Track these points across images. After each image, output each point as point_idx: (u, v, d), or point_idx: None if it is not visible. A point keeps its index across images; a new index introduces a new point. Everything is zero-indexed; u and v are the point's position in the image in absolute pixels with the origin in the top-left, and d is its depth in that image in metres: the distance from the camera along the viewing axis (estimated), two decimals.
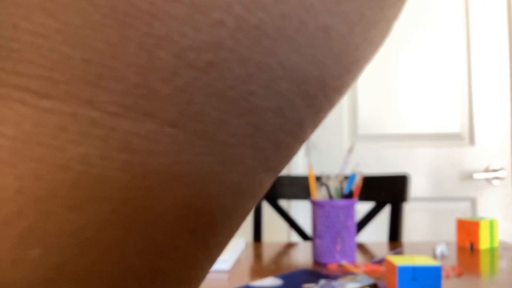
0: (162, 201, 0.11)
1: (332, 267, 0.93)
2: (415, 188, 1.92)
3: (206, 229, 0.13)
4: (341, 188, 1.00)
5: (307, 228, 1.98)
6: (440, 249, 1.05)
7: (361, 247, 1.15)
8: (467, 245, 1.11)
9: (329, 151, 1.98)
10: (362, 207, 1.91)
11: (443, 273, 0.86)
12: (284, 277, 0.83)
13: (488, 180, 1.91)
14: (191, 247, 0.13)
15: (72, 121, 0.10)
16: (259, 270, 0.93)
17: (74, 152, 0.10)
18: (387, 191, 1.41)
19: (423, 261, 0.71)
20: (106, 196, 0.10)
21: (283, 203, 1.95)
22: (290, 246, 1.19)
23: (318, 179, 1.40)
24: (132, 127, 0.10)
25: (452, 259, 0.99)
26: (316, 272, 0.87)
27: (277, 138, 0.13)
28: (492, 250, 1.08)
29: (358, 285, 0.75)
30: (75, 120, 0.10)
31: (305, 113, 0.13)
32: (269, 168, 0.14)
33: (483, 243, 1.09)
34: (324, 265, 0.96)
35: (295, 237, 1.95)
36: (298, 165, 1.95)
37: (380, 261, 0.98)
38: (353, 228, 0.98)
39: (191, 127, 0.11)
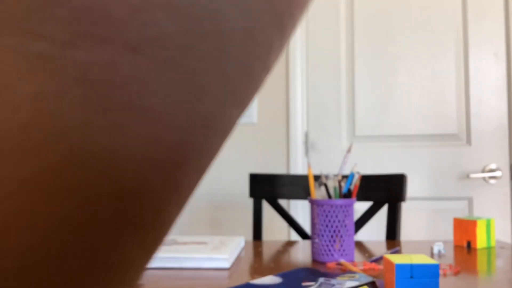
0: (126, 138, 0.10)
1: (331, 265, 0.94)
2: (412, 188, 1.93)
3: (175, 168, 0.12)
4: (340, 187, 1.01)
5: (306, 227, 1.99)
6: (437, 248, 1.06)
7: (360, 246, 1.16)
8: (464, 244, 1.12)
9: (328, 151, 1.99)
10: (361, 207, 1.92)
11: (441, 272, 0.87)
12: (283, 275, 0.84)
13: (484, 180, 1.92)
14: (160, 187, 0.12)
15: (17, 56, 0.09)
16: (259, 268, 0.94)
17: (24, 90, 0.09)
18: (385, 190, 1.42)
19: (421, 259, 0.71)
20: (63, 136, 0.09)
21: (282, 202, 1.96)
22: (289, 244, 1.20)
23: (317, 178, 1.41)
24: (87, 56, 0.09)
25: (449, 258, 1.00)
26: (315, 270, 0.87)
27: (246, 65, 0.12)
28: (489, 249, 1.09)
29: (356, 283, 0.76)
30: (20, 55, 0.09)
31: (273, 35, 0.12)
32: (237, 101, 0.13)
33: (480, 242, 1.10)
34: (323, 264, 0.97)
35: (294, 236, 1.96)
36: (297, 165, 1.96)
37: (378, 260, 0.99)
38: (352, 227, 0.99)
39: (153, 53, 0.10)
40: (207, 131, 0.12)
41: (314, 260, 0.99)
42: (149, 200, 0.12)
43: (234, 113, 0.13)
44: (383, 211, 1.92)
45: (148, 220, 0.12)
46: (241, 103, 0.13)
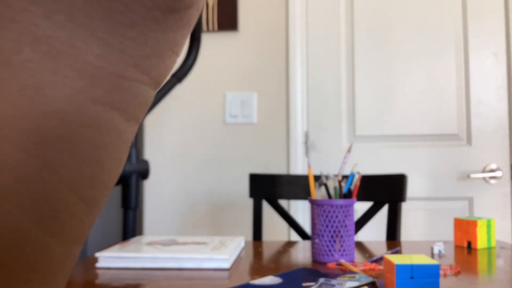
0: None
1: (331, 265, 0.94)
2: (413, 188, 1.93)
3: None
4: (340, 187, 1.01)
5: (307, 227, 1.99)
6: (437, 248, 1.06)
7: (360, 246, 1.16)
8: (464, 244, 1.12)
9: (328, 152, 1.99)
10: (361, 207, 1.92)
11: (441, 272, 0.87)
12: (283, 276, 0.84)
13: (485, 180, 1.92)
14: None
15: None
16: (259, 268, 0.94)
17: None
18: (385, 190, 1.42)
19: (421, 259, 0.71)
20: None
21: (282, 202, 1.96)
22: (289, 245, 1.20)
23: (317, 179, 1.41)
24: None
25: (450, 258, 1.00)
26: (315, 271, 0.87)
27: None
28: (489, 250, 1.09)
29: (356, 283, 0.76)
30: None
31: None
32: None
33: (481, 243, 1.10)
34: (323, 264, 0.97)
35: (294, 236, 1.96)
36: (297, 165, 1.96)
37: (379, 260, 0.99)
38: (352, 227, 0.99)
39: None
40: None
41: (314, 261, 1.00)
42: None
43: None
44: (383, 211, 1.92)
45: (85, 175, 0.14)
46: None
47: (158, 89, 0.16)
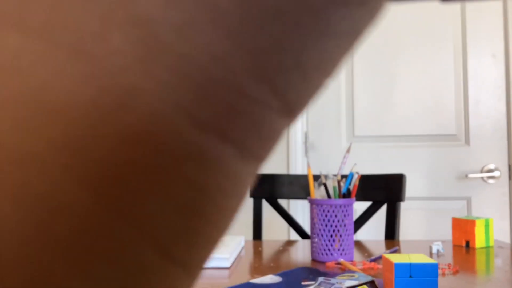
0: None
1: (330, 264, 0.95)
2: (411, 188, 1.94)
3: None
4: (339, 187, 1.01)
5: (306, 227, 1.99)
6: (436, 247, 1.06)
7: (359, 245, 1.16)
8: (463, 243, 1.12)
9: (327, 152, 1.99)
10: (360, 206, 1.93)
11: (439, 271, 0.87)
12: (283, 275, 0.85)
13: (483, 180, 1.93)
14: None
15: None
16: (259, 267, 0.94)
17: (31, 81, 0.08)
18: (384, 190, 1.42)
19: (420, 259, 0.71)
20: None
21: (282, 202, 1.96)
22: (289, 244, 1.20)
23: (316, 178, 1.41)
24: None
25: (448, 257, 1.01)
26: (314, 270, 0.88)
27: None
28: (487, 249, 1.09)
29: (355, 282, 0.76)
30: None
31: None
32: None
33: (479, 242, 1.10)
34: (322, 263, 0.97)
35: (294, 236, 1.97)
36: (297, 165, 1.97)
37: (377, 259, 0.99)
38: (351, 226, 0.99)
39: None
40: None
41: (314, 260, 1.00)
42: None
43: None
44: (382, 211, 1.93)
45: (177, 227, 0.10)
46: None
47: (291, 122, 0.11)
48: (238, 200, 0.11)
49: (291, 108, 0.11)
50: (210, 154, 0.10)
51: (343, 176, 1.04)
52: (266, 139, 0.11)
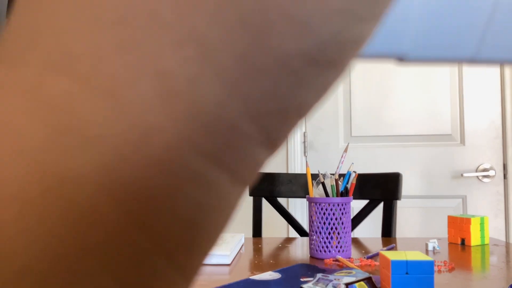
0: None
1: (329, 261, 0.96)
2: (407, 187, 1.95)
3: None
4: (337, 186, 1.02)
5: (305, 225, 2.00)
6: (432, 244, 1.07)
7: (356, 243, 1.17)
8: (458, 241, 1.13)
9: (326, 151, 2.00)
10: (357, 205, 1.94)
11: (435, 268, 0.88)
12: (282, 271, 0.85)
13: (478, 179, 1.94)
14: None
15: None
16: (258, 264, 0.95)
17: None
18: (381, 189, 1.43)
19: (416, 256, 0.71)
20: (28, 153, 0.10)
21: (282, 200, 1.97)
22: (288, 241, 1.21)
23: (315, 177, 1.42)
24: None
25: (444, 255, 1.02)
26: (313, 266, 0.89)
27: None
28: (482, 247, 1.10)
29: (353, 278, 0.77)
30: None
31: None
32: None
33: (474, 240, 1.11)
34: (320, 260, 0.98)
35: (293, 233, 1.97)
36: (296, 164, 1.98)
37: (374, 256, 1.00)
38: (348, 224, 1.00)
39: None
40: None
41: (312, 257, 1.01)
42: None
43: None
44: (379, 209, 1.94)
45: (180, 238, 0.12)
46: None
47: (273, 154, 0.14)
48: (228, 216, 0.13)
49: (273, 142, 0.13)
50: (209, 178, 0.12)
51: (341, 175, 1.05)
52: (251, 167, 0.13)
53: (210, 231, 0.13)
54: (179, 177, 0.11)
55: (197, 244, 0.12)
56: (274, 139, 0.13)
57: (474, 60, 0.19)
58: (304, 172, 1.90)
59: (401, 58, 0.19)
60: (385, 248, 1.08)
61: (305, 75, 0.12)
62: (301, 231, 1.52)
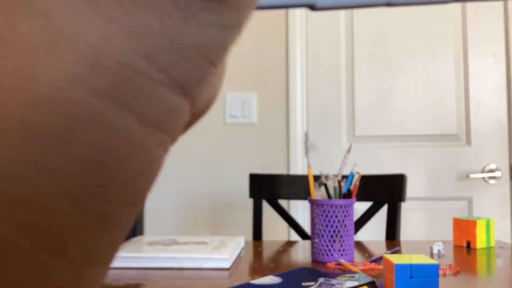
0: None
1: (331, 265, 0.95)
2: (412, 188, 1.94)
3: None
4: (340, 187, 1.01)
5: (306, 227, 1.99)
6: (437, 248, 1.06)
7: (359, 246, 1.16)
8: (464, 244, 1.12)
9: (328, 152, 1.99)
10: (360, 207, 1.92)
11: (440, 272, 0.87)
12: (283, 275, 0.84)
13: (484, 180, 1.92)
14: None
15: None
16: (258, 268, 0.94)
17: None
18: (385, 190, 1.42)
19: (420, 259, 0.71)
20: None
21: (282, 202, 1.96)
22: (289, 244, 1.20)
23: (317, 179, 1.41)
24: None
25: (449, 258, 1.01)
26: (315, 270, 0.88)
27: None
28: (488, 249, 1.09)
29: (356, 283, 0.76)
30: None
31: None
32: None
33: (480, 242, 1.10)
34: (323, 264, 0.97)
35: (294, 236, 1.97)
36: (297, 165, 1.97)
37: (378, 260, 0.99)
38: (351, 227, 0.99)
39: None
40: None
41: (314, 260, 1.00)
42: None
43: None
44: (383, 211, 1.92)
45: (87, 181, 0.12)
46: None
47: (192, 102, 0.13)
48: (146, 164, 0.13)
49: (183, 88, 0.13)
50: (110, 119, 0.12)
51: (343, 177, 1.04)
52: (163, 112, 0.13)
53: (124, 177, 0.12)
54: (75, 116, 0.11)
55: (110, 190, 0.12)
56: (183, 84, 0.13)
57: (390, 3, 0.19)
58: (306, 173, 1.89)
59: (312, 5, 0.19)
60: (389, 252, 1.07)
61: (191, 10, 0.12)
62: (303, 234, 1.51)
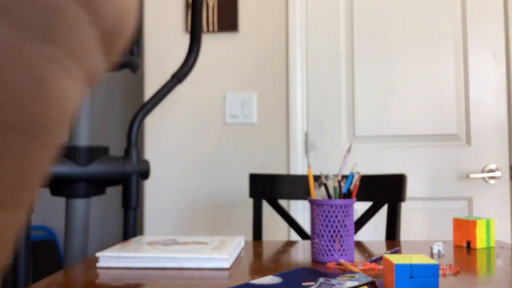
0: None
1: (331, 265, 0.94)
2: (412, 188, 1.94)
3: None
4: (340, 187, 1.01)
5: (306, 227, 1.99)
6: (437, 248, 1.06)
7: (359, 246, 1.16)
8: (464, 244, 1.12)
9: (328, 152, 1.99)
10: (360, 207, 1.92)
11: (440, 272, 0.87)
12: (283, 275, 0.84)
13: (484, 180, 1.92)
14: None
15: None
16: (258, 268, 0.94)
17: None
18: (385, 190, 1.42)
19: (420, 259, 0.71)
20: None
21: (282, 202, 1.96)
22: (289, 244, 1.20)
23: (317, 179, 1.41)
24: None
25: (449, 258, 1.00)
26: (315, 270, 0.88)
27: None
28: (488, 249, 1.09)
29: (356, 283, 0.76)
30: None
31: None
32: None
33: (480, 242, 1.10)
34: (323, 264, 0.97)
35: (294, 236, 1.97)
36: (297, 165, 1.96)
37: (378, 260, 0.99)
38: (351, 227, 0.99)
39: None
40: None
41: (314, 260, 1.00)
42: None
43: None
44: (383, 211, 1.92)
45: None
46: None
47: (90, 10, 0.12)
48: (37, 85, 0.11)
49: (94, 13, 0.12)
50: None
51: (343, 176, 1.04)
52: (40, 12, 0.11)
53: (2, 95, 0.11)
54: None
55: (20, 104, 0.11)
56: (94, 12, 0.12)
57: None
58: (306, 173, 1.89)
59: None
60: (389, 252, 1.07)
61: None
62: (303, 234, 1.51)
